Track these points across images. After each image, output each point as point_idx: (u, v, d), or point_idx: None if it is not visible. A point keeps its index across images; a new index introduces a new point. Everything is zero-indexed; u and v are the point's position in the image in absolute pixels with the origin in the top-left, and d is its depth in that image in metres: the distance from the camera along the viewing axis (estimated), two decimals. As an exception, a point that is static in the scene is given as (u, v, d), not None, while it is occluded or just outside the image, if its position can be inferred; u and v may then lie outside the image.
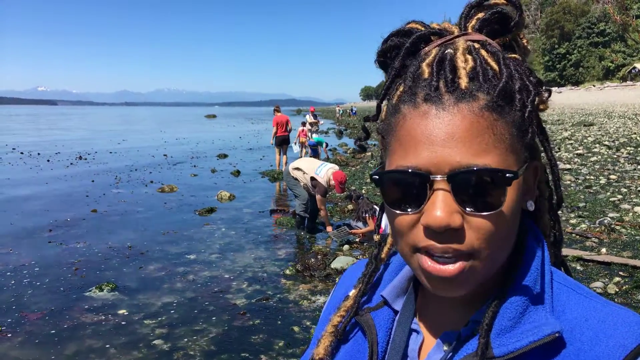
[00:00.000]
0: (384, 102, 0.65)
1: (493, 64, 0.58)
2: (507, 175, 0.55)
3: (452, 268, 0.55)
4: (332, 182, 7.50)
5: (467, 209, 0.55)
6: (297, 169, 7.87)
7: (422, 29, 0.63)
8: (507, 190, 0.56)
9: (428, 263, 0.57)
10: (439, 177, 0.55)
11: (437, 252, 0.56)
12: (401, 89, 0.61)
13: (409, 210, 0.58)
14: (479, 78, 0.57)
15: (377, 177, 0.61)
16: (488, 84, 0.57)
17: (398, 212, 0.59)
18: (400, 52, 0.63)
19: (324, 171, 7.61)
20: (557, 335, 0.55)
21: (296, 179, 7.86)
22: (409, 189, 0.57)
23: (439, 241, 0.55)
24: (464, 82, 0.56)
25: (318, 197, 7.61)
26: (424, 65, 0.59)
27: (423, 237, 0.56)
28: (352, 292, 0.74)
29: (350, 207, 8.85)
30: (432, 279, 0.57)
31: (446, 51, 0.59)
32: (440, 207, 0.54)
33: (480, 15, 0.63)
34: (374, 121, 0.68)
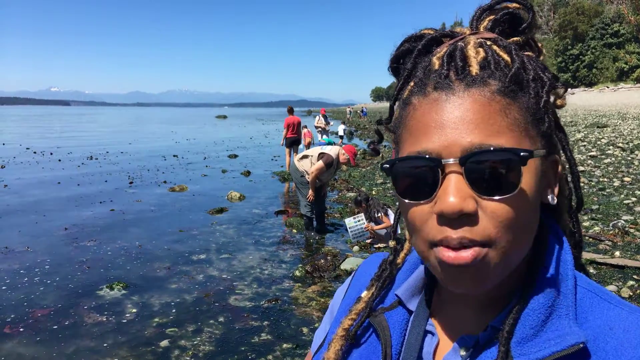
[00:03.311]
0: (397, 104, 0.65)
1: (504, 55, 0.58)
2: (522, 154, 0.53)
3: (465, 254, 0.53)
4: (343, 156, 7.45)
5: (481, 193, 0.53)
6: (304, 156, 7.78)
7: (434, 33, 0.64)
8: (522, 171, 0.54)
9: (444, 252, 0.54)
10: (450, 160, 0.53)
11: (452, 243, 0.53)
12: (412, 84, 0.61)
13: (421, 199, 0.56)
14: (490, 66, 0.56)
15: (387, 165, 0.59)
16: (500, 72, 0.56)
17: (410, 202, 0.57)
18: (412, 55, 0.63)
19: (329, 147, 7.73)
20: (581, 346, 0.52)
21: (302, 176, 7.72)
22: (421, 175, 0.56)
23: (453, 229, 0.53)
24: (474, 69, 0.56)
25: (319, 163, 7.35)
26: (434, 58, 0.59)
27: (438, 229, 0.54)
28: (365, 294, 0.73)
29: (356, 211, 8.76)
30: (448, 271, 0.55)
31: (457, 45, 0.59)
32: (453, 192, 0.53)
33: (492, 16, 0.63)
34: (387, 124, 0.68)
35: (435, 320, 0.68)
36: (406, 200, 0.58)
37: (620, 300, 0.59)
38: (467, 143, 0.53)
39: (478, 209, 0.53)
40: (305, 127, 17.84)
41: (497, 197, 0.53)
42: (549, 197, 0.61)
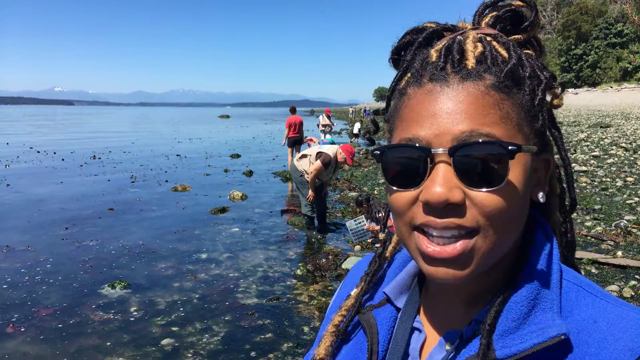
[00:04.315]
0: (393, 94, 0.65)
1: (502, 51, 0.58)
2: (510, 147, 0.53)
3: (451, 249, 0.54)
4: (341, 155, 7.43)
5: (469, 184, 0.54)
6: (303, 156, 7.80)
7: (436, 26, 0.64)
8: (509, 164, 0.54)
9: (426, 245, 0.55)
10: (440, 150, 0.54)
11: (437, 227, 0.54)
12: (409, 75, 0.61)
13: (409, 186, 0.56)
14: (487, 61, 0.56)
15: (378, 152, 0.60)
16: (496, 67, 0.56)
17: (398, 189, 0.58)
18: (413, 47, 0.63)
19: (327, 147, 7.76)
20: (562, 337, 0.53)
21: (302, 175, 7.73)
22: (410, 164, 0.56)
23: (439, 217, 0.54)
24: (470, 62, 0.56)
25: (317, 163, 7.33)
26: (432, 50, 0.60)
27: (422, 214, 0.55)
28: (354, 291, 0.74)
29: (358, 210, 8.73)
30: (430, 261, 0.56)
31: (456, 38, 0.59)
32: (440, 182, 0.53)
33: (495, 13, 0.63)
34: (383, 114, 0.68)
35: (423, 317, 0.68)
36: (394, 188, 0.58)
37: (607, 294, 0.59)
38: (458, 131, 0.53)
39: (465, 199, 0.54)
40: (306, 137, 17.63)
41: (484, 189, 0.53)
42: (539, 195, 0.61)
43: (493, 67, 0.56)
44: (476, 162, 0.53)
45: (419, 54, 0.62)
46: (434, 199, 0.53)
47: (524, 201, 0.58)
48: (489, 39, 0.59)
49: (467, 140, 0.53)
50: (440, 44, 0.60)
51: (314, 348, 0.73)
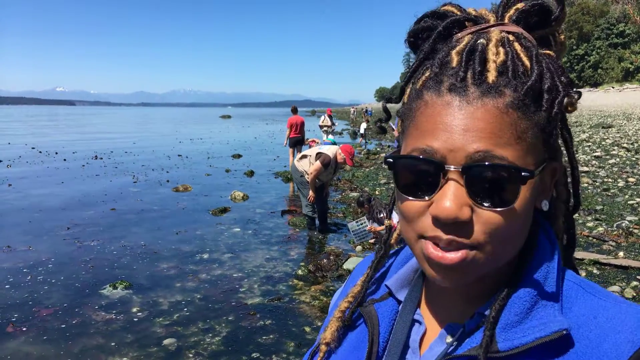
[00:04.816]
0: (409, 87, 0.64)
1: (525, 59, 0.57)
2: (523, 174, 0.54)
3: (453, 256, 0.55)
4: (340, 156, 7.43)
5: (478, 202, 0.54)
6: (303, 156, 7.81)
7: (458, 12, 0.62)
8: (520, 188, 0.55)
9: (431, 249, 0.56)
10: (452, 168, 0.54)
11: (442, 243, 0.55)
12: (427, 74, 0.60)
13: (420, 197, 0.57)
14: (508, 73, 0.56)
15: (391, 160, 0.60)
16: (517, 80, 0.56)
17: (409, 197, 0.58)
18: (432, 34, 0.61)
19: (327, 147, 7.75)
20: (564, 332, 0.54)
21: (302, 176, 7.73)
22: (422, 175, 0.57)
23: (445, 232, 0.55)
24: (492, 75, 0.55)
25: (317, 163, 7.34)
26: (453, 53, 0.58)
27: (431, 227, 0.56)
28: (361, 278, 0.75)
29: (359, 211, 8.72)
30: (433, 266, 0.57)
31: (478, 41, 0.58)
32: (451, 198, 0.54)
33: (520, 5, 0.60)
34: (396, 103, 0.68)
35: (423, 310, 0.69)
36: (405, 196, 0.59)
37: (607, 294, 0.60)
38: (473, 150, 0.53)
39: (473, 216, 0.55)
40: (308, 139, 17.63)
41: (494, 209, 0.54)
42: (542, 203, 0.62)
43: (514, 80, 0.55)
44: (488, 182, 0.54)
45: (439, 48, 0.60)
46: (443, 216, 0.54)
47: (529, 216, 0.59)
48: (511, 38, 0.58)
49: (481, 161, 0.54)
50: (461, 43, 0.58)
51: (321, 333, 0.74)
